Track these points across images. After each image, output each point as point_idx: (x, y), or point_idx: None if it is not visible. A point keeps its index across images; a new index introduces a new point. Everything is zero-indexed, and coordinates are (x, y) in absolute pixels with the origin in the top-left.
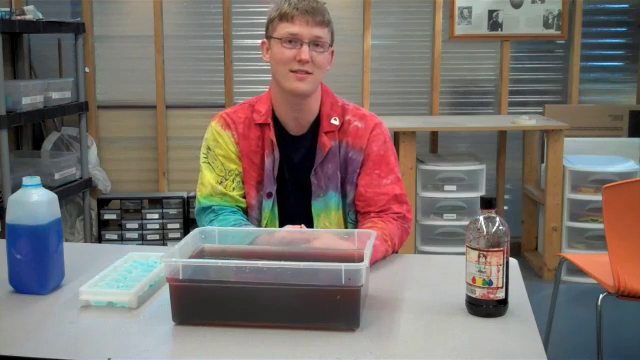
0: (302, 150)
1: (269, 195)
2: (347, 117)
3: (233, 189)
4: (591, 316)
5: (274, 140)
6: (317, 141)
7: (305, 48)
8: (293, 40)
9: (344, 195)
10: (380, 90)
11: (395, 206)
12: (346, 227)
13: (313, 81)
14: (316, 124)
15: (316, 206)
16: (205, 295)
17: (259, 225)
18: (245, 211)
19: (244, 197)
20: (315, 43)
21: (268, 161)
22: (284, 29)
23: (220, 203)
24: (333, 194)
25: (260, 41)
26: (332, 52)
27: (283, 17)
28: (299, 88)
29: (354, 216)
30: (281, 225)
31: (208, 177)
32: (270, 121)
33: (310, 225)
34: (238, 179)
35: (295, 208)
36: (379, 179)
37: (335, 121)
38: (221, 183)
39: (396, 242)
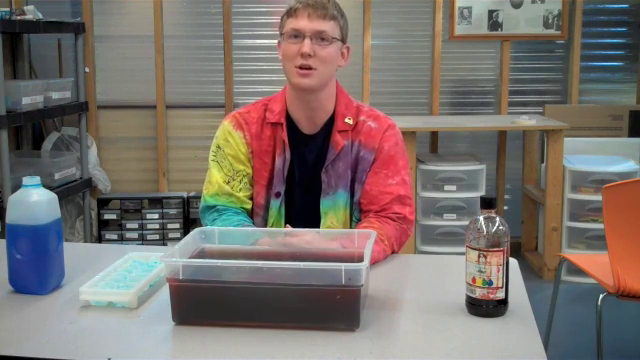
0: (315, 149)
1: (277, 195)
2: (361, 118)
3: (240, 190)
4: (591, 316)
5: (286, 140)
6: (330, 139)
7: (307, 42)
8: (297, 35)
9: (352, 194)
10: (380, 90)
11: (397, 207)
12: (350, 226)
13: (318, 76)
14: (329, 123)
15: (324, 204)
16: (205, 295)
17: (266, 225)
18: (249, 212)
19: (250, 199)
20: (319, 37)
21: (279, 161)
22: (289, 25)
23: (225, 203)
24: (342, 192)
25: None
26: (347, 48)
27: (289, 13)
28: (302, 83)
29: (359, 215)
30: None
31: (216, 176)
32: (283, 121)
33: (317, 224)
34: (245, 180)
35: (303, 207)
36: (385, 178)
37: (349, 120)
38: (228, 183)
39: (394, 243)
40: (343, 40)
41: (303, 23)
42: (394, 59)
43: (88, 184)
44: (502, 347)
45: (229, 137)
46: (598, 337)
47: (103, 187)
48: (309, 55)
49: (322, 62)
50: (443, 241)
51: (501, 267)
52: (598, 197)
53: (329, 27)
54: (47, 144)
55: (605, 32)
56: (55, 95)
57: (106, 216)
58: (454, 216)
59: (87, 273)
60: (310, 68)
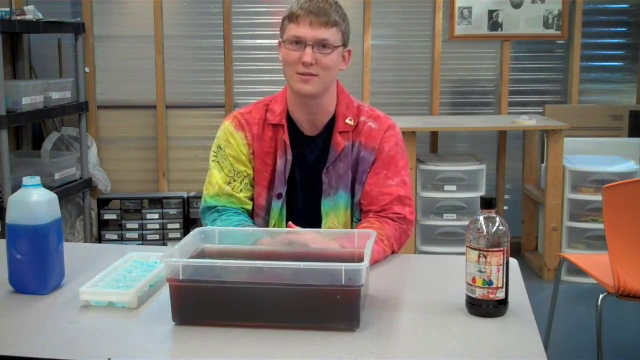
0: (316, 150)
1: (279, 196)
2: (362, 118)
3: (240, 191)
4: (591, 316)
5: (287, 142)
6: (331, 140)
7: (308, 51)
8: (298, 42)
9: (353, 195)
10: (380, 90)
11: (397, 207)
12: (351, 226)
13: (319, 82)
14: (330, 124)
15: (325, 205)
16: (205, 295)
17: (267, 226)
18: (250, 213)
19: (251, 199)
20: (321, 45)
21: (280, 162)
22: (290, 31)
23: (225, 204)
24: (343, 193)
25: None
26: (349, 52)
27: (290, 18)
28: (303, 89)
29: (359, 215)
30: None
31: (216, 177)
32: (284, 122)
33: (318, 225)
34: (246, 181)
35: (304, 208)
36: (386, 179)
37: (350, 121)
38: (229, 184)
39: (393, 243)
40: (345, 44)
41: (304, 31)
42: (394, 59)
43: (88, 184)
44: (502, 347)
45: (230, 138)
46: (598, 337)
47: (103, 187)
48: (310, 64)
49: (323, 69)
50: (443, 241)
51: (501, 267)
52: (598, 197)
53: (331, 35)
54: (47, 144)
55: (605, 32)
56: (55, 95)
57: (106, 216)
58: (454, 216)
59: (87, 273)
60: (311, 74)
